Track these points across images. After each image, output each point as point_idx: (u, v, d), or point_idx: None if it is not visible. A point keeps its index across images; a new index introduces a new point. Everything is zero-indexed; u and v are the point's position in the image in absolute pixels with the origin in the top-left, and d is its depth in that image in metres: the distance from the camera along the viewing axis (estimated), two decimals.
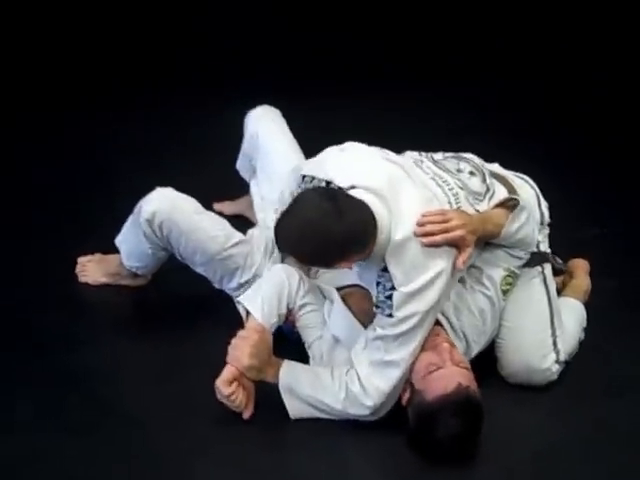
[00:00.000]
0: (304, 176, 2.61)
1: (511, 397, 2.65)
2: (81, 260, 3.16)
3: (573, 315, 2.83)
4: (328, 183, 2.51)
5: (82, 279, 3.13)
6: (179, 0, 4.91)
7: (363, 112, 4.04)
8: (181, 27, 4.80)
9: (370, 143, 2.71)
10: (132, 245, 2.92)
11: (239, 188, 3.36)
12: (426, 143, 2.92)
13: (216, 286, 2.92)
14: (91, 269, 3.14)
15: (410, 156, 2.77)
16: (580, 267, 3.01)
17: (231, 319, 2.88)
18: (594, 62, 4.59)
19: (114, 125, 3.99)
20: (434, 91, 4.30)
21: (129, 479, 2.44)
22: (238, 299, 2.71)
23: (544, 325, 2.69)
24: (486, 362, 2.68)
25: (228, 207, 3.39)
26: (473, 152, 2.87)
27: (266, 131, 3.07)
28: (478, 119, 4.07)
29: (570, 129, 4.08)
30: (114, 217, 3.25)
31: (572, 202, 2.95)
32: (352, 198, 2.42)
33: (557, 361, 2.68)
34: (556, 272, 2.86)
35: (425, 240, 2.44)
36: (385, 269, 2.45)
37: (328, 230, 2.35)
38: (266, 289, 2.67)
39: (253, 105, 3.22)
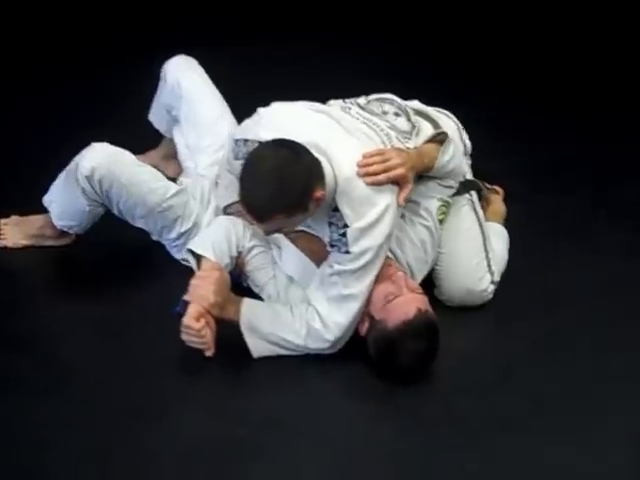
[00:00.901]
0: (237, 140, 2.68)
1: (451, 319, 2.78)
2: None
3: (499, 238, 3.01)
4: (260, 144, 2.57)
5: (0, 243, 3.05)
6: None
7: (279, 61, 4.09)
8: None
9: (288, 90, 2.79)
10: (66, 204, 2.87)
11: (151, 140, 3.34)
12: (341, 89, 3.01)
13: (154, 238, 2.93)
14: (9, 232, 3.06)
15: (337, 104, 2.84)
16: (495, 193, 3.20)
17: (163, 267, 2.95)
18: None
19: (20, 86, 3.88)
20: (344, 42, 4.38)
21: (103, 437, 2.43)
22: (187, 247, 2.73)
23: (478, 249, 2.86)
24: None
25: (140, 160, 3.36)
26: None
27: (188, 80, 3.06)
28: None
29: (471, 69, 4.27)
30: (19, 179, 3.23)
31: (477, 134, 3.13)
32: (294, 141, 2.50)
33: (492, 282, 2.86)
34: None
35: (368, 180, 2.54)
36: (335, 209, 2.54)
37: (295, 171, 2.43)
38: (213, 235, 2.73)
39: (157, 56, 3.20)
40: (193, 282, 2.60)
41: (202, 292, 2.57)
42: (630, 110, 3.99)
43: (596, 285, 2.99)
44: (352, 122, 2.71)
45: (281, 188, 2.41)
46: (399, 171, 2.56)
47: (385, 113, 2.82)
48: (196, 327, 2.54)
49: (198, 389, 2.58)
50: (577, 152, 3.67)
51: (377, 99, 2.89)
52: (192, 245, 2.70)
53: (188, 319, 2.54)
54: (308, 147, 2.51)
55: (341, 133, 2.63)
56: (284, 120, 2.65)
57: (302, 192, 2.44)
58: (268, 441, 2.44)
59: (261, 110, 2.74)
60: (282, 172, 2.41)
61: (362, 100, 2.88)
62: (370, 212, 2.53)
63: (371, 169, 2.54)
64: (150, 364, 2.64)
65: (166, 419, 2.48)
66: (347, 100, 2.87)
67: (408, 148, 2.71)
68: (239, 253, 2.72)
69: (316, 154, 2.51)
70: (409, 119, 2.81)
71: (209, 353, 2.58)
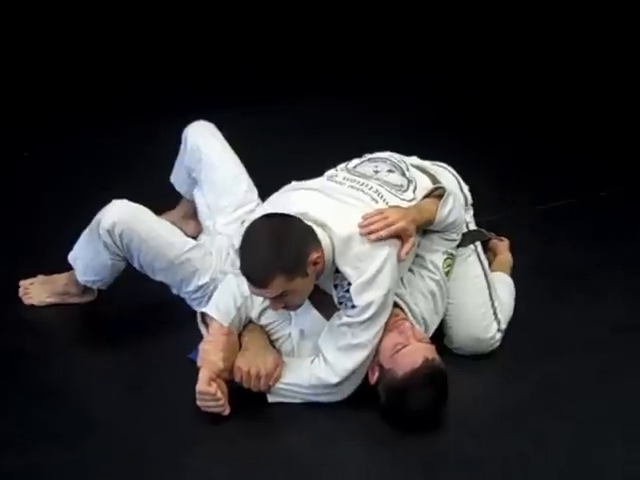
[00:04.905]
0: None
1: (460, 366, 2.88)
2: (23, 283, 3.22)
3: (505, 287, 3.12)
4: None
5: (27, 301, 3.19)
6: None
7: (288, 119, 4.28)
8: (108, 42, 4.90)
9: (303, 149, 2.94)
10: (89, 258, 3.01)
11: (170, 200, 3.49)
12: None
13: (174, 291, 3.06)
14: (35, 290, 3.20)
15: (325, 175, 2.97)
16: (501, 244, 3.29)
17: (183, 323, 3.04)
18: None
19: (46, 147, 4.07)
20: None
21: None
22: (197, 311, 2.88)
23: (484, 298, 2.97)
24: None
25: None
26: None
27: (207, 144, 3.23)
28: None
29: (466, 122, 4.44)
30: (48, 239, 3.40)
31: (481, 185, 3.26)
32: (281, 212, 2.67)
33: (499, 330, 2.97)
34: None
35: (372, 237, 2.67)
36: (337, 270, 2.68)
37: (287, 232, 2.59)
38: (217, 294, 2.87)
39: (173, 120, 3.38)
40: (202, 347, 2.74)
41: (212, 358, 2.70)
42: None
43: (600, 332, 3.08)
44: (338, 188, 2.83)
45: (276, 249, 2.55)
46: (400, 224, 2.68)
47: (377, 172, 2.93)
48: (211, 391, 2.66)
49: (214, 438, 2.68)
50: (585, 202, 3.80)
51: (370, 159, 3.02)
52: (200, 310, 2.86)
53: (201, 385, 2.67)
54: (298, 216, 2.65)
55: (329, 202, 2.77)
56: (274, 205, 2.78)
57: (297, 251, 2.57)
58: None
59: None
60: (275, 235, 2.57)
61: (354, 162, 3.00)
62: (370, 266, 2.65)
63: (373, 227, 2.67)
64: (170, 415, 2.75)
65: (187, 467, 2.59)
66: (339, 167, 2.99)
67: (404, 199, 2.83)
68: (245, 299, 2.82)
69: (309, 223, 2.65)
70: (403, 174, 2.94)
71: (226, 412, 2.70)
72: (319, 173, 2.98)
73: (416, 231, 2.77)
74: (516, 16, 5.21)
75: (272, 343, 2.83)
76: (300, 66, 4.84)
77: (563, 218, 3.71)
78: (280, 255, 2.55)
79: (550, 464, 2.61)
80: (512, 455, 2.63)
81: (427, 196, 2.87)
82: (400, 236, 2.70)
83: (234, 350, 2.77)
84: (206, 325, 2.84)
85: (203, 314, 2.85)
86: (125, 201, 2.97)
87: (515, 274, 3.24)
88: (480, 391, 2.85)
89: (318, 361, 2.74)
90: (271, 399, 2.76)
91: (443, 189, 2.86)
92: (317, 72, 4.81)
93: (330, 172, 2.98)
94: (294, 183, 2.92)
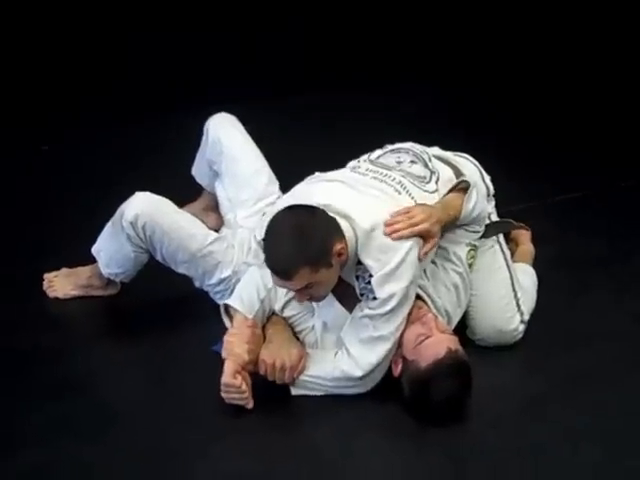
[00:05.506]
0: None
1: (482, 357, 2.87)
2: (47, 276, 3.24)
3: (528, 277, 3.11)
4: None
5: (52, 294, 3.21)
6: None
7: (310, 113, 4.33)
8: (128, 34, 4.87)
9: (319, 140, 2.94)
10: (113, 251, 3.03)
11: (192, 193, 3.50)
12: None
13: (196, 284, 3.07)
14: (59, 283, 3.23)
15: (348, 166, 2.97)
16: (523, 235, 3.29)
17: (206, 316, 3.05)
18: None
19: (65, 143, 4.12)
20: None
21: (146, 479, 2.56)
22: (221, 303, 2.90)
23: (507, 289, 2.95)
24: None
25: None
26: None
27: (229, 137, 3.23)
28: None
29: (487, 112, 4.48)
30: (71, 233, 3.43)
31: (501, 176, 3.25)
32: (305, 204, 2.67)
33: (522, 321, 2.96)
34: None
35: (394, 236, 2.65)
36: (359, 262, 2.67)
37: (311, 224, 2.58)
38: (241, 285, 2.88)
39: (195, 112, 3.38)
40: (227, 339, 2.75)
41: (237, 350, 2.70)
42: None
43: (622, 323, 3.06)
44: (361, 180, 2.82)
45: (301, 241, 2.55)
46: (423, 226, 2.67)
47: (400, 163, 2.92)
48: (237, 384, 2.67)
49: (240, 430, 2.68)
50: (604, 193, 3.79)
51: (392, 150, 3.01)
52: (223, 302, 2.87)
53: (227, 378, 2.67)
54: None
55: (352, 193, 2.76)
56: (297, 196, 2.78)
57: (322, 243, 2.57)
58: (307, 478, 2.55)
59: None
60: (300, 227, 2.57)
61: (377, 153, 2.99)
62: (392, 259, 2.64)
63: (396, 226, 2.66)
64: (193, 407, 2.75)
65: (209, 459, 2.59)
66: (361, 158, 2.99)
67: (427, 191, 2.82)
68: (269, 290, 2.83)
69: (333, 214, 2.65)
70: (426, 165, 2.92)
71: (249, 405, 2.71)
72: (331, 167, 2.96)
73: (443, 229, 2.76)
74: (516, 16, 5.18)
75: (295, 335, 2.84)
76: (302, 65, 4.85)
77: (582, 209, 3.71)
78: (305, 247, 2.55)
79: (577, 457, 2.60)
80: (537, 446, 2.62)
81: (451, 190, 2.86)
82: (423, 236, 2.69)
83: (259, 342, 2.77)
84: (230, 317, 2.86)
85: (227, 306, 2.86)
86: (148, 193, 2.98)
87: (536, 265, 3.23)
88: (503, 382, 2.84)
89: (342, 354, 2.75)
90: (294, 392, 2.76)
91: (467, 182, 2.84)
92: (317, 71, 4.83)
93: (353, 163, 2.97)
94: (317, 174, 2.92)
